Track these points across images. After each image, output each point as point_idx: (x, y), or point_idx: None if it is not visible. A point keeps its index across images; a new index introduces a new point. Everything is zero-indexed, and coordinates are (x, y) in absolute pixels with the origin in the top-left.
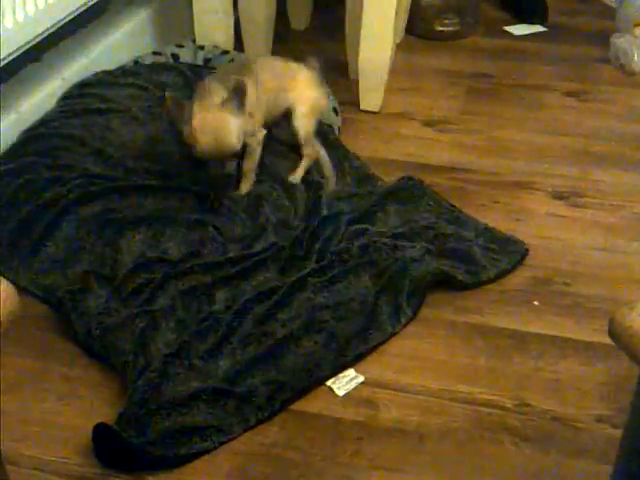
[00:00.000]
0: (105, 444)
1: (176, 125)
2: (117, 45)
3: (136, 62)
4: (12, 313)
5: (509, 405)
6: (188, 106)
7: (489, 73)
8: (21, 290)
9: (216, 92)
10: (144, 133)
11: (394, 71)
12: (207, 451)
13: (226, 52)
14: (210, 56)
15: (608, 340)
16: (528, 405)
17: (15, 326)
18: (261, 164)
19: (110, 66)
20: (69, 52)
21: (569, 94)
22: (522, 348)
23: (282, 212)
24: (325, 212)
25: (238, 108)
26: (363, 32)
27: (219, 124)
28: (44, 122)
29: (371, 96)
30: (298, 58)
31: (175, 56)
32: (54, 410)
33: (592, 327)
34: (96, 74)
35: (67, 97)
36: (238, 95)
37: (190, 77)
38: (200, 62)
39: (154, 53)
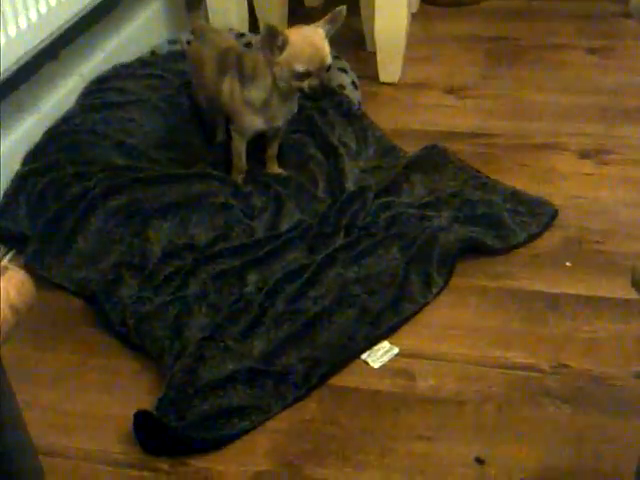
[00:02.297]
0: (146, 430)
1: (270, 52)
2: (132, 37)
3: (153, 52)
4: (29, 301)
5: (546, 367)
6: (281, 32)
7: (508, 36)
8: (55, 286)
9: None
10: (165, 122)
11: (411, 41)
12: (247, 431)
13: (242, 35)
14: None
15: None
16: (566, 366)
17: (51, 321)
18: None
19: (127, 59)
20: (85, 48)
21: (591, 51)
22: (556, 310)
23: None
24: (351, 186)
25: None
26: (377, 3)
27: (314, 35)
28: (66, 119)
29: (389, 68)
30: None
31: (190, 42)
32: (95, 401)
33: (626, 284)
34: (114, 68)
35: (87, 93)
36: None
37: None
38: None
39: (169, 42)
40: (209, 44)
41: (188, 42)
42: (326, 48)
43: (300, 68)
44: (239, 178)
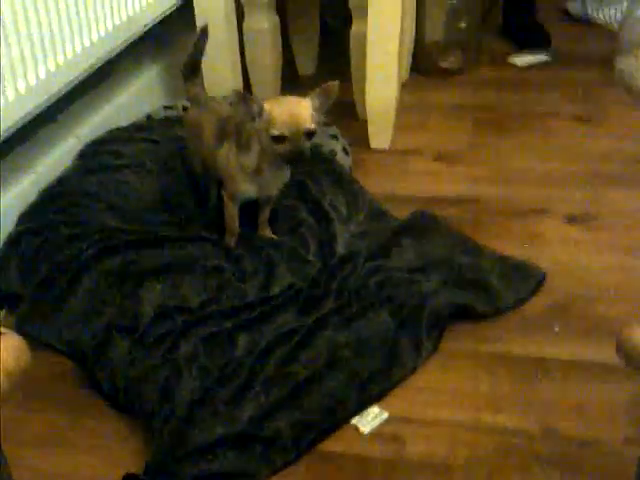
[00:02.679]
0: None
1: (250, 119)
2: (129, 102)
3: (148, 117)
4: (24, 366)
5: (536, 432)
6: (256, 99)
7: (495, 104)
8: (46, 346)
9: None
10: (159, 186)
11: (402, 109)
12: None
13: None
14: None
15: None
16: (555, 431)
17: (40, 383)
18: None
19: (123, 122)
20: (82, 112)
21: (576, 119)
22: (545, 374)
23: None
24: (342, 250)
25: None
26: (369, 73)
27: (293, 101)
28: (61, 180)
29: (380, 135)
30: None
31: (187, 109)
32: (83, 462)
33: (614, 349)
34: (110, 131)
35: (83, 155)
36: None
37: None
38: None
39: (165, 107)
40: (208, 111)
41: (184, 108)
42: (303, 114)
43: (275, 132)
44: (232, 241)
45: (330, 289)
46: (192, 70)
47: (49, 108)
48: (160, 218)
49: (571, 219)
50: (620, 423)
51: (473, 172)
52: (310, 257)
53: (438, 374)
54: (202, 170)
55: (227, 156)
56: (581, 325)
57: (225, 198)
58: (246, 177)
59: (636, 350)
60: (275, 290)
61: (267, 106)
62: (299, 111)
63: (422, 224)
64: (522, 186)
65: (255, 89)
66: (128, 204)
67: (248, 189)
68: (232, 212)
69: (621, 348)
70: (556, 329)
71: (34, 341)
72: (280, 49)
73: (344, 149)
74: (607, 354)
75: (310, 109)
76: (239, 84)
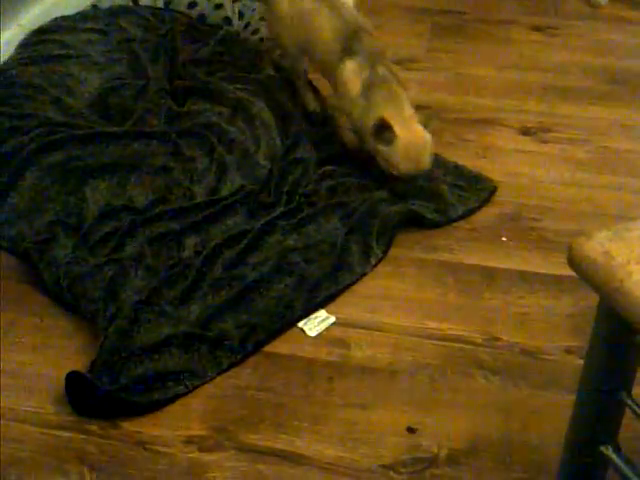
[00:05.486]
0: (79, 392)
1: (376, 141)
2: None
3: (94, 6)
4: None
5: (479, 340)
6: (392, 128)
7: (454, 9)
8: None
9: (402, 97)
10: (104, 78)
11: (358, 10)
12: (181, 395)
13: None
14: None
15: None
16: (498, 339)
17: None
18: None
19: (68, 11)
20: None
21: (536, 29)
22: (491, 284)
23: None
24: (296, 154)
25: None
26: None
27: (422, 150)
28: (2, 71)
29: None
30: None
31: None
32: (27, 361)
33: (560, 261)
34: (54, 20)
35: (25, 44)
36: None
37: (151, 21)
38: (161, 5)
39: None
40: (330, 8)
41: None
42: (426, 158)
43: (394, 172)
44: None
45: (281, 193)
46: None
47: None
48: (105, 112)
49: (524, 131)
50: (561, 334)
51: (429, 78)
52: (261, 159)
53: (386, 281)
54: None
55: (349, 76)
56: (528, 237)
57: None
58: (357, 102)
59: (585, 261)
60: (224, 192)
61: (399, 139)
62: (424, 157)
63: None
64: (477, 95)
65: None
66: (72, 98)
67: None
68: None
69: (572, 259)
70: (504, 239)
71: None
72: None
73: None
74: (552, 266)
75: (432, 147)
76: None
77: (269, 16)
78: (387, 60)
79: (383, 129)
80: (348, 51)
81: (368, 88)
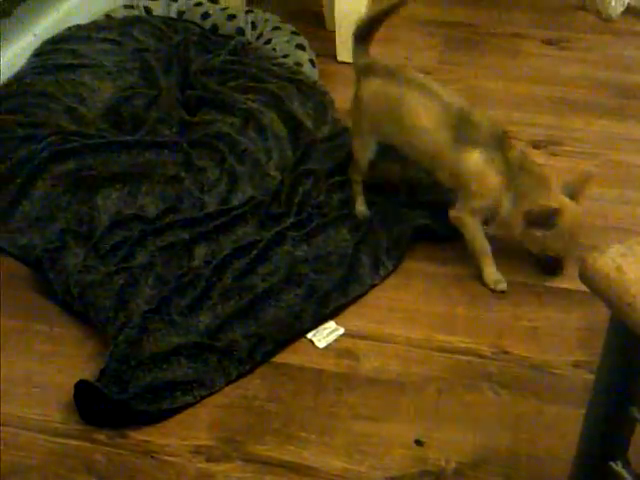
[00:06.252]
0: (87, 400)
1: (527, 231)
2: (88, 0)
3: (108, 16)
4: None
5: (488, 353)
6: (551, 212)
7: (466, 22)
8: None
9: (548, 177)
10: (116, 88)
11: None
12: (189, 405)
13: (199, 4)
14: (184, 8)
15: (585, 287)
16: (506, 353)
17: None
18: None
19: (82, 21)
20: (40, 8)
21: (547, 42)
22: (500, 297)
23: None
24: (307, 165)
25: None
26: None
27: (580, 225)
28: (16, 79)
29: (348, 47)
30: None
31: (147, 9)
32: (36, 369)
33: (570, 275)
34: (68, 29)
35: (39, 53)
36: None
37: (164, 31)
38: (173, 15)
39: (126, 7)
40: (422, 92)
41: (146, 9)
42: (582, 231)
43: (551, 253)
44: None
45: (291, 203)
46: (367, 34)
47: (4, 2)
48: (117, 122)
49: (535, 144)
50: (570, 347)
51: None
52: (271, 170)
53: (395, 293)
54: (373, 155)
55: (481, 169)
56: None
57: (461, 213)
58: (501, 194)
59: (597, 276)
60: (234, 201)
61: (562, 222)
62: (581, 231)
63: None
64: (489, 107)
65: None
66: (84, 106)
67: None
68: (474, 230)
69: (585, 274)
70: (513, 252)
71: None
72: None
73: (311, 60)
74: (562, 279)
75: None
76: None
77: (353, 99)
78: (510, 139)
79: (542, 215)
80: (464, 140)
81: (509, 177)
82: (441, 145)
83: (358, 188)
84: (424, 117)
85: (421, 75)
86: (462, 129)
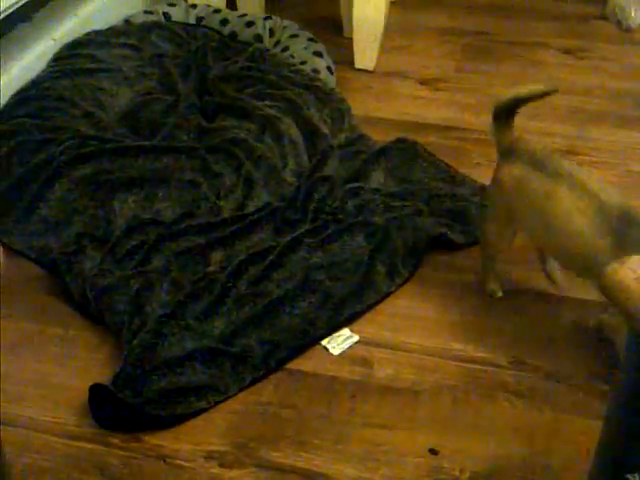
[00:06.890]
0: (101, 404)
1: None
2: (108, 5)
3: (127, 21)
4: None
5: (503, 362)
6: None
7: (485, 30)
8: (15, 253)
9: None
10: (135, 93)
11: (389, 29)
12: (203, 410)
13: (218, 10)
14: (203, 15)
15: (603, 297)
16: (522, 362)
17: (10, 288)
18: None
19: (101, 26)
20: (59, 12)
21: (565, 51)
22: (517, 306)
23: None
24: (323, 172)
25: None
26: None
27: None
28: (35, 83)
29: (366, 54)
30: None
31: (167, 15)
32: (51, 371)
33: (586, 285)
34: (87, 34)
35: (58, 58)
36: None
37: (183, 37)
38: (192, 21)
39: (145, 12)
40: (577, 190)
41: (165, 14)
42: None
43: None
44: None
45: (307, 210)
46: (510, 113)
47: (23, 7)
48: (135, 127)
49: None
50: (587, 358)
51: (458, 99)
52: (288, 176)
53: (410, 301)
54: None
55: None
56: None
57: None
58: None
59: (617, 287)
60: (251, 207)
61: None
62: None
63: (402, 152)
64: None
65: (239, 0)
66: (103, 111)
67: None
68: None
69: (605, 285)
70: (530, 260)
71: (3, 246)
72: None
73: (328, 67)
74: (579, 289)
75: None
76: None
77: (493, 180)
78: None
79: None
80: (629, 245)
81: None
82: (593, 250)
83: (490, 264)
84: (577, 219)
85: (570, 164)
86: (624, 235)
